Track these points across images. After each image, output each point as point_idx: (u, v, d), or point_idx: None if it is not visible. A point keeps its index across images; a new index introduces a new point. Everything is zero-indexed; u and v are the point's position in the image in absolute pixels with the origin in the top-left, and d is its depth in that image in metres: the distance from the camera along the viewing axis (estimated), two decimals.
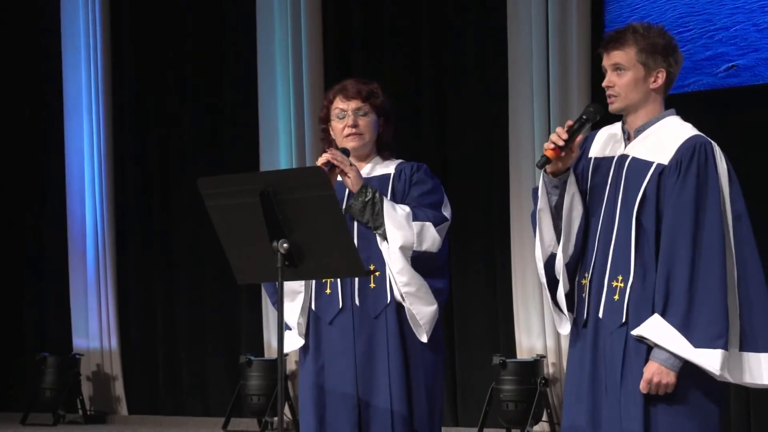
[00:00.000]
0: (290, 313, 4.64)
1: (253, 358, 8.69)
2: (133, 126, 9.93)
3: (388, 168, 4.64)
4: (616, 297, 3.97)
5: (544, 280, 4.12)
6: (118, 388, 9.77)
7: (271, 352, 8.94)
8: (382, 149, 4.68)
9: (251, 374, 8.62)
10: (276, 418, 8.35)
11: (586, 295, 4.04)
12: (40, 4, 10.31)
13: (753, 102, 7.41)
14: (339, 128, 4.63)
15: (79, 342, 9.86)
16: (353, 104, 4.62)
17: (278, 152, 9.02)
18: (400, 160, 4.68)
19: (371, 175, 4.64)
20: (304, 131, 8.94)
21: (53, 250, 10.11)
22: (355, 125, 4.60)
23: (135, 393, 9.77)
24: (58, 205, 10.04)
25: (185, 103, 9.73)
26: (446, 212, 4.58)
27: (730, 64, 7.41)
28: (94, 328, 9.79)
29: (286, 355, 8.65)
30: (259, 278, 4.53)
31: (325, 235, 4.12)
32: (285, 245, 4.12)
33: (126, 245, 9.86)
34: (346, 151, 4.62)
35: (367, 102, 4.62)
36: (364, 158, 4.67)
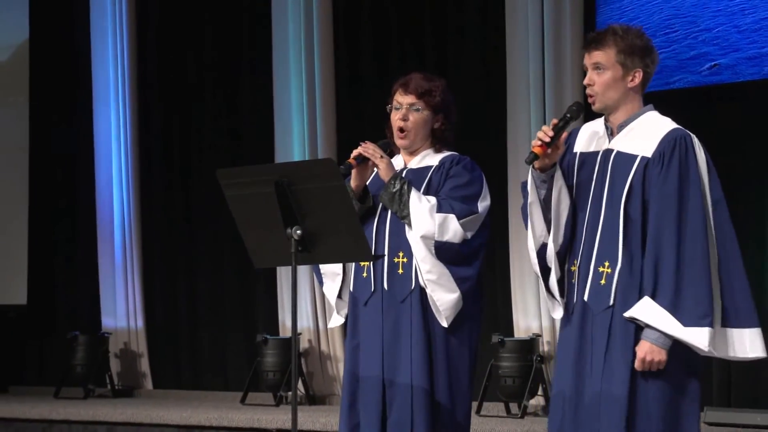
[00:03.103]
0: (330, 293, 4.69)
1: (268, 336, 8.69)
2: (157, 120, 9.94)
3: (434, 160, 4.64)
4: (603, 282, 3.99)
5: (537, 268, 4.14)
6: (144, 365, 9.78)
7: (285, 331, 8.95)
8: (436, 142, 4.66)
9: (267, 352, 8.62)
10: (290, 393, 8.35)
11: (575, 281, 4.06)
12: (71, 12, 10.30)
13: (733, 98, 7.40)
14: (393, 119, 4.64)
15: (107, 321, 9.87)
16: (408, 99, 4.61)
17: (292, 145, 9.01)
18: (449, 153, 4.65)
19: (417, 167, 4.63)
20: (316, 125, 8.94)
21: (83, 236, 10.12)
22: (405, 119, 4.59)
23: (159, 369, 9.78)
24: (87, 194, 10.04)
25: (205, 98, 9.73)
26: (480, 205, 4.55)
27: (713, 63, 7.39)
28: (122, 308, 9.81)
29: (300, 333, 8.72)
30: (274, 263, 4.54)
31: (335, 222, 4.14)
32: (298, 232, 4.15)
33: (151, 231, 9.87)
34: (385, 145, 4.62)
35: (422, 99, 4.60)
36: (414, 151, 4.66)
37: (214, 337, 9.58)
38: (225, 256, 9.41)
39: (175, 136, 9.89)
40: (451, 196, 4.51)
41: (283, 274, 8.90)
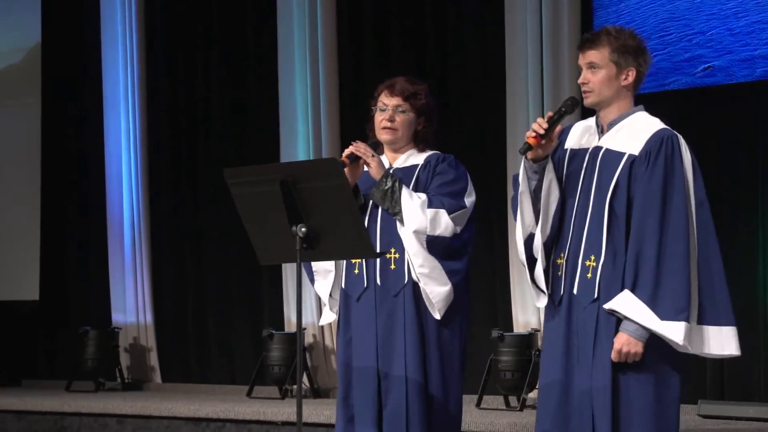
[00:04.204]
0: (323, 290, 4.70)
1: (274, 331, 8.70)
2: (165, 120, 9.95)
3: (419, 158, 4.68)
4: (589, 275, 4.01)
5: (523, 257, 4.17)
6: (153, 359, 9.80)
7: (290, 326, 8.96)
8: (419, 142, 4.69)
9: (273, 346, 8.63)
10: (295, 386, 8.36)
11: (561, 273, 4.08)
12: (82, 15, 10.32)
13: (727, 99, 7.41)
14: (378, 120, 4.68)
15: (117, 317, 9.89)
16: (394, 101, 4.65)
17: (297, 145, 9.03)
18: (433, 152, 4.69)
19: (403, 165, 4.67)
20: (321, 125, 8.95)
21: (94, 234, 10.14)
22: (391, 120, 4.64)
23: (168, 363, 9.80)
24: (98, 193, 10.06)
25: (213, 99, 9.75)
26: (467, 200, 4.60)
27: (707, 65, 7.40)
28: (131, 304, 9.83)
29: (305, 328, 8.72)
30: (280, 259, 4.56)
31: (338, 220, 4.16)
32: (303, 229, 4.16)
33: (159, 229, 9.89)
34: (375, 144, 4.65)
35: (408, 101, 4.65)
36: (399, 150, 4.70)
37: (221, 332, 9.59)
38: (231, 253, 9.42)
39: (183, 136, 9.90)
40: (439, 192, 4.56)
41: (288, 270, 8.92)
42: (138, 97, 9.90)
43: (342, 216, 4.15)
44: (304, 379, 8.60)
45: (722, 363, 7.16)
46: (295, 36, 9.08)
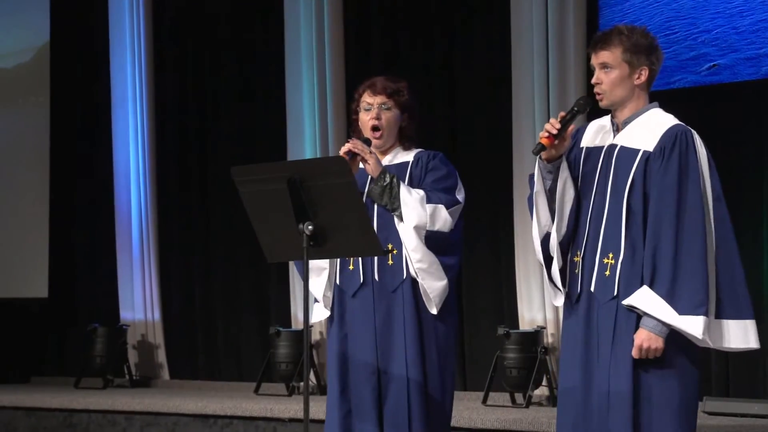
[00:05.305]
0: (317, 288, 4.69)
1: (281, 329, 8.70)
2: (174, 118, 9.95)
3: (408, 156, 4.68)
4: (607, 273, 3.99)
5: (540, 257, 4.15)
6: (161, 356, 9.80)
7: (297, 323, 8.95)
8: (404, 140, 4.70)
9: (280, 343, 8.63)
10: (302, 383, 8.36)
11: (578, 271, 4.06)
12: (90, 15, 10.32)
13: (732, 98, 7.39)
14: (365, 120, 4.67)
15: (125, 314, 9.89)
16: (379, 99, 4.65)
17: (303, 143, 9.02)
18: (419, 149, 4.70)
19: (392, 163, 4.67)
20: (327, 124, 8.94)
21: (102, 231, 10.14)
22: (378, 118, 4.63)
23: (176, 360, 9.80)
24: (106, 191, 10.06)
25: (221, 97, 9.74)
26: (459, 196, 4.61)
27: (712, 63, 7.38)
28: (139, 301, 9.82)
29: (312, 326, 8.72)
30: (287, 257, 4.56)
31: (345, 217, 4.15)
32: (310, 227, 4.15)
33: (167, 227, 9.89)
34: (368, 141, 4.65)
35: (392, 98, 4.66)
36: (387, 149, 4.70)
37: (229, 329, 9.59)
38: (239, 251, 9.41)
39: (191, 134, 9.90)
40: (434, 188, 4.57)
41: (295, 268, 8.90)
42: (146, 95, 9.90)
43: (349, 214, 4.14)
44: (311, 376, 8.60)
45: (727, 360, 7.15)
46: (302, 35, 9.08)
